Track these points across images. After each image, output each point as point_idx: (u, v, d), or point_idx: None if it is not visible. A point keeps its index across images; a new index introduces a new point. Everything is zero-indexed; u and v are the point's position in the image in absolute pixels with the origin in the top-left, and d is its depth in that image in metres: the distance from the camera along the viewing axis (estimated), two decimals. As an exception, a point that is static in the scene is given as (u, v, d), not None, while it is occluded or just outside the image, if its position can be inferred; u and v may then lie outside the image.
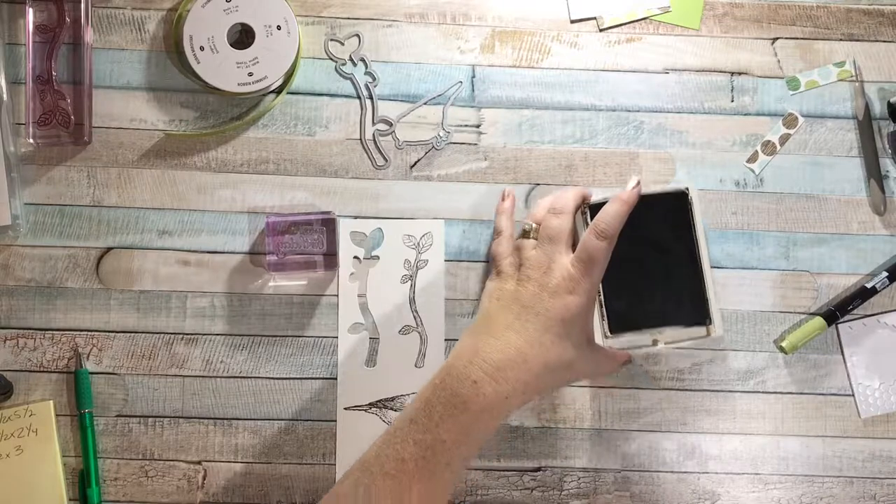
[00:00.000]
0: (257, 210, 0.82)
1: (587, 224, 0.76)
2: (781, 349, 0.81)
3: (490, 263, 0.77)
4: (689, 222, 0.77)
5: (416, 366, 0.81)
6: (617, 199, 0.72)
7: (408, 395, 0.80)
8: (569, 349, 0.70)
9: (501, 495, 0.81)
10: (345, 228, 0.82)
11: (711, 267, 0.78)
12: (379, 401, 0.80)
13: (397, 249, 0.82)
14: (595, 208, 0.75)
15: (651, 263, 0.77)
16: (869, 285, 0.81)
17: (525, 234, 0.75)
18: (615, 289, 0.77)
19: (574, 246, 0.72)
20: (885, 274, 0.81)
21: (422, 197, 0.82)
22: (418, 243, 0.82)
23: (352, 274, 0.81)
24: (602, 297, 0.77)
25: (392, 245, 0.82)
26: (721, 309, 0.80)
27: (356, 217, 0.82)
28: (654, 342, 0.78)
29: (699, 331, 0.78)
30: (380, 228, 0.82)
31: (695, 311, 0.77)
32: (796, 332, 0.81)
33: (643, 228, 0.76)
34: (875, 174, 0.83)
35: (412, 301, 0.81)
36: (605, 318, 0.77)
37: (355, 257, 0.81)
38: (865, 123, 0.83)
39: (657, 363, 0.82)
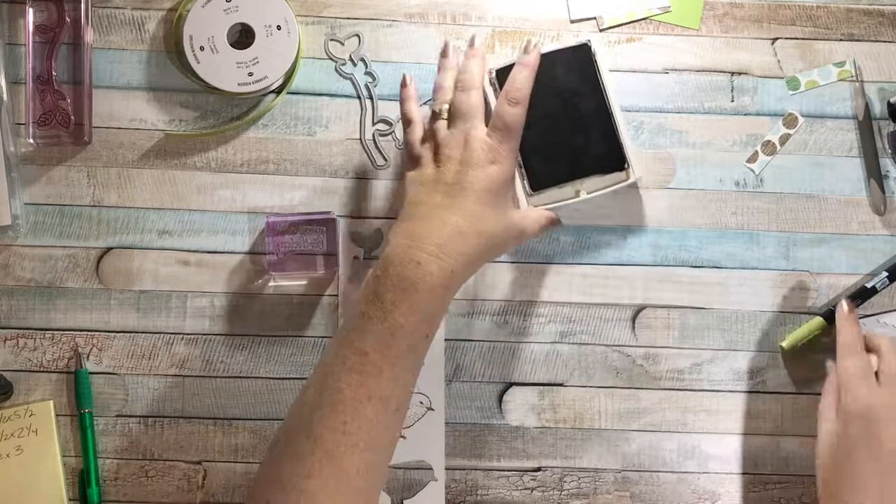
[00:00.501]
0: (257, 210, 0.82)
1: (497, 90, 0.78)
2: (781, 349, 0.81)
3: (405, 155, 0.75)
4: (595, 74, 0.79)
5: None
6: (521, 64, 0.73)
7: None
8: (500, 217, 0.70)
9: (501, 495, 0.81)
10: (345, 228, 0.81)
11: (622, 112, 0.81)
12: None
13: None
14: (502, 73, 0.77)
15: (564, 118, 0.79)
16: (869, 285, 0.81)
17: (436, 116, 0.73)
18: (531, 147, 0.78)
19: (487, 118, 0.72)
20: (885, 274, 0.81)
21: (422, 197, 0.82)
22: None
23: (353, 275, 0.81)
24: (520, 156, 0.78)
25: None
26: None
27: (356, 217, 0.82)
28: (577, 193, 0.79)
29: (619, 176, 0.80)
30: (380, 228, 0.82)
31: (611, 158, 0.79)
32: (796, 332, 0.81)
33: (552, 85, 0.79)
34: (875, 174, 0.83)
35: None
36: (525, 177, 0.79)
37: (355, 257, 0.81)
38: (865, 123, 0.83)
39: (657, 363, 0.82)
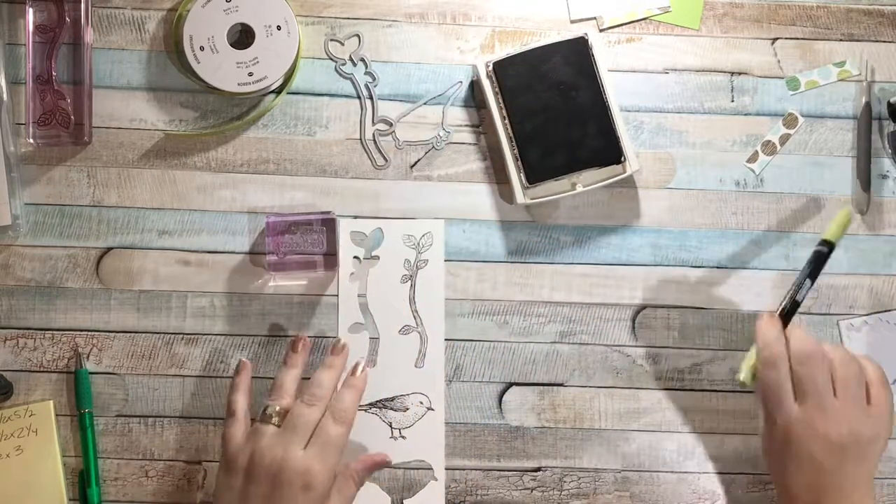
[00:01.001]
0: (257, 210, 0.82)
1: (494, 82, 0.79)
2: (742, 384, 0.73)
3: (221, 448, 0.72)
4: (592, 67, 0.80)
5: (416, 366, 0.81)
6: (349, 386, 0.73)
7: (408, 394, 0.80)
8: None
9: (501, 495, 0.81)
10: (345, 228, 0.82)
11: (620, 109, 0.81)
12: (379, 400, 0.80)
13: (397, 249, 0.82)
14: (500, 66, 0.78)
15: (561, 111, 0.80)
16: (799, 298, 0.74)
17: (266, 417, 0.71)
18: (529, 139, 0.79)
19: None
20: (809, 283, 0.74)
21: (422, 197, 0.82)
22: (418, 243, 0.82)
23: (352, 274, 0.81)
24: (517, 149, 0.79)
25: (392, 245, 0.82)
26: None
27: (356, 217, 0.82)
28: (574, 186, 0.80)
29: (615, 169, 0.80)
30: (380, 228, 0.82)
31: (608, 150, 0.80)
32: (747, 361, 0.73)
33: (549, 78, 0.79)
34: (864, 173, 0.83)
35: (412, 301, 0.81)
36: (522, 169, 0.79)
37: (355, 257, 0.81)
38: (865, 122, 0.83)
39: (657, 363, 0.82)
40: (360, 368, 0.74)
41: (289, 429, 0.70)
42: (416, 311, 0.81)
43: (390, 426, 0.80)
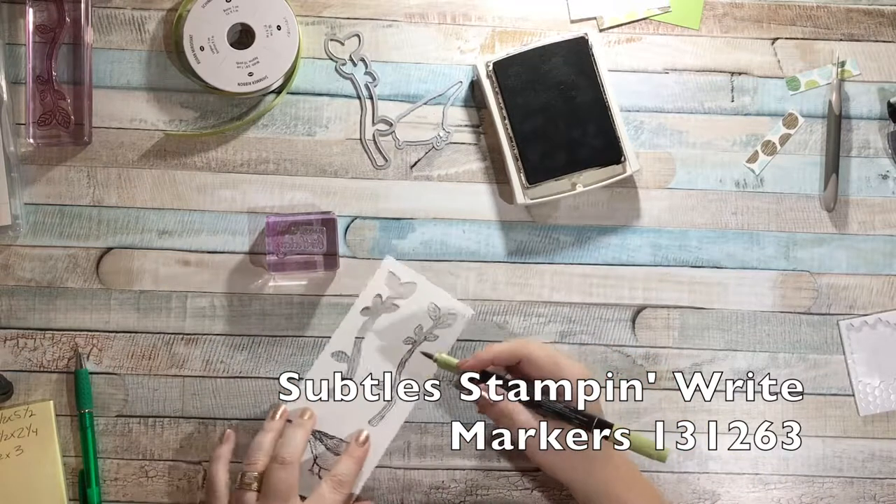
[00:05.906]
0: (257, 210, 0.82)
1: (493, 82, 0.79)
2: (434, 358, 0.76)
3: None
4: (592, 67, 0.80)
5: (369, 422, 0.79)
6: (350, 455, 0.75)
7: (347, 441, 0.79)
8: None
9: (501, 495, 0.81)
10: (386, 265, 0.81)
11: (620, 109, 0.81)
12: (320, 431, 0.79)
13: (419, 311, 0.81)
14: (500, 66, 0.79)
15: (561, 111, 0.80)
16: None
17: (245, 485, 0.71)
18: (529, 139, 0.79)
19: None
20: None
21: (422, 197, 0.82)
22: (439, 317, 0.81)
23: (365, 308, 0.81)
24: (517, 149, 0.79)
25: (417, 303, 0.81)
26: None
27: (356, 217, 0.82)
28: (574, 186, 0.80)
29: (615, 169, 0.80)
30: (415, 283, 0.81)
31: (608, 151, 0.80)
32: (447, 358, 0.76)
33: (550, 78, 0.79)
34: (831, 170, 0.82)
35: (402, 364, 0.80)
36: (522, 169, 0.79)
37: (378, 295, 0.81)
38: (835, 120, 0.83)
39: (657, 363, 0.82)
40: (362, 436, 0.76)
41: (272, 496, 0.70)
42: (400, 377, 0.80)
43: (314, 460, 0.79)
